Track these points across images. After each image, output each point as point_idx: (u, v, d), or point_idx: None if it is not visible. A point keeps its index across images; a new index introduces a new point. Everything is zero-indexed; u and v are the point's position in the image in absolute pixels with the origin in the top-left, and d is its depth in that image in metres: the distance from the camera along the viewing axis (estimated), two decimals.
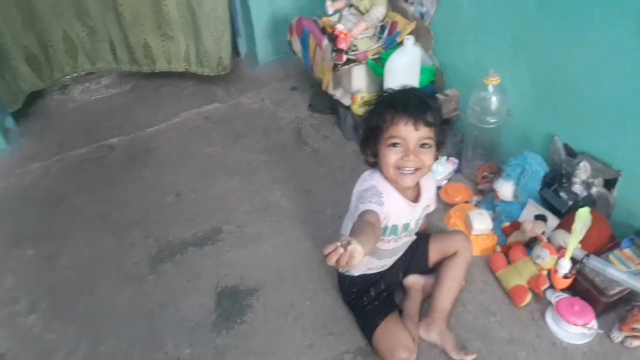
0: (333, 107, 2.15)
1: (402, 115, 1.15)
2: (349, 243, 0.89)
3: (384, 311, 1.36)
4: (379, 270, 1.41)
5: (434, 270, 1.47)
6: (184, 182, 1.95)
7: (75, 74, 2.49)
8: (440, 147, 1.24)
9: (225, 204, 1.84)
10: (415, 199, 1.30)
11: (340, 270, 1.41)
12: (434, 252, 1.46)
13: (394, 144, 1.18)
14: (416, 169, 1.20)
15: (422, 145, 1.18)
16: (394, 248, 1.36)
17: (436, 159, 1.25)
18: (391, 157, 1.19)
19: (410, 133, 1.16)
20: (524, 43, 1.57)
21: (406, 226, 1.30)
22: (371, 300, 1.39)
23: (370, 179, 1.25)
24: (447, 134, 1.25)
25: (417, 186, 1.31)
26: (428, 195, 1.35)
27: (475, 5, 1.66)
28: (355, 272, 1.40)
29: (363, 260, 1.31)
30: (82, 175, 2.02)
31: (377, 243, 1.08)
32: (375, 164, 1.28)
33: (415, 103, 1.17)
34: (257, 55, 2.53)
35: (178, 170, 2.00)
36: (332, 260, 0.88)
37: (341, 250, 0.88)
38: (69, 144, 2.17)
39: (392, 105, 1.18)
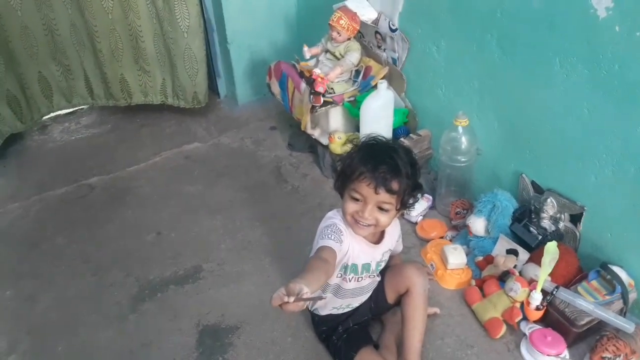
0: (311, 146, 2.22)
1: (368, 176, 1.17)
2: (294, 294, 0.94)
3: (357, 344, 1.39)
4: (345, 311, 1.43)
5: (396, 306, 1.46)
6: (164, 221, 1.97)
7: (52, 114, 2.53)
8: (406, 208, 1.27)
9: (206, 242, 1.86)
10: (377, 241, 1.35)
11: (310, 308, 1.45)
12: (389, 290, 1.44)
13: (355, 198, 1.22)
14: (370, 225, 1.24)
15: (380, 208, 1.22)
16: (356, 288, 1.38)
17: (402, 215, 1.30)
18: (349, 207, 1.23)
19: (370, 194, 1.19)
20: (490, 87, 1.67)
21: (366, 266, 1.34)
22: (340, 336, 1.41)
23: (334, 217, 1.29)
24: (416, 197, 1.27)
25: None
26: (391, 240, 1.40)
27: (443, 53, 1.77)
28: (322, 312, 1.43)
29: (324, 301, 1.36)
30: (62, 215, 2.02)
31: (327, 279, 1.14)
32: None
33: (385, 169, 1.17)
34: (236, 96, 2.60)
35: (159, 210, 2.02)
36: (280, 308, 0.94)
37: (286, 299, 0.93)
38: (49, 184, 2.18)
39: (365, 161, 1.19)
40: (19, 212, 2.05)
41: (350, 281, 1.34)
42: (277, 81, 2.12)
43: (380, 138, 1.28)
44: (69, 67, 2.38)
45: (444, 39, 1.75)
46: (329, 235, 1.23)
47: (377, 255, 1.35)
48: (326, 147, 2.03)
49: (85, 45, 2.31)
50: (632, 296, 1.45)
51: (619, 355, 1.35)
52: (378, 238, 1.36)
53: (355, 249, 1.29)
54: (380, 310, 1.48)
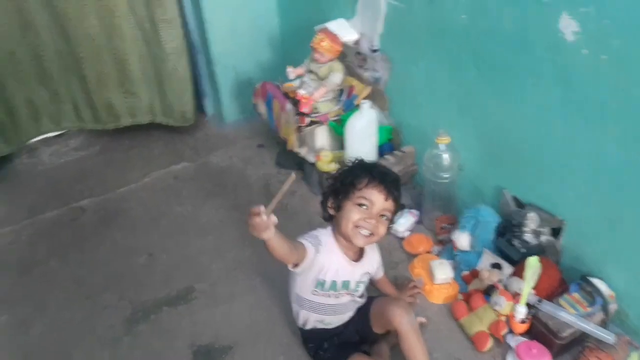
0: (299, 164, 2.26)
1: (379, 183, 1.30)
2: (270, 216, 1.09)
3: (347, 351, 1.43)
4: (328, 327, 1.46)
5: (386, 335, 1.49)
6: (156, 242, 1.99)
7: (40, 137, 2.54)
8: (391, 222, 1.39)
9: (197, 262, 1.89)
10: (357, 259, 1.41)
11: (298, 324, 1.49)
12: (376, 325, 1.44)
13: (361, 204, 1.30)
14: (371, 234, 1.32)
15: (382, 215, 1.32)
16: (335, 304, 1.42)
17: (389, 231, 1.40)
18: (355, 214, 1.31)
19: (379, 200, 1.30)
20: (468, 105, 1.73)
21: (345, 284, 1.38)
22: (327, 350, 1.45)
23: (316, 232, 1.37)
24: (397, 212, 1.40)
25: (361, 249, 1.42)
26: (370, 261, 1.46)
27: (423, 73, 1.82)
28: (306, 326, 1.47)
29: (307, 315, 1.42)
30: (53, 238, 2.04)
31: (283, 257, 1.22)
32: (331, 217, 1.39)
33: (391, 179, 1.33)
34: (223, 115, 2.64)
35: (150, 231, 2.05)
36: (252, 220, 1.09)
37: (263, 216, 1.07)
38: (40, 207, 2.20)
39: (370, 172, 1.32)
40: (11, 236, 2.06)
41: (329, 297, 1.39)
42: (264, 101, 2.16)
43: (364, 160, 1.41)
44: (57, 91, 2.40)
45: (422, 60, 1.80)
46: (308, 239, 1.32)
47: (356, 275, 1.40)
48: (313, 164, 2.07)
49: (72, 71, 2.34)
50: (613, 307, 1.50)
51: None
52: (357, 256, 1.42)
53: (334, 264, 1.35)
54: (367, 337, 1.49)
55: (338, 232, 1.36)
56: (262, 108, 2.19)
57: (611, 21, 1.22)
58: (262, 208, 1.09)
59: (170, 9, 2.19)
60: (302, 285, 1.39)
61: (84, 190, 2.29)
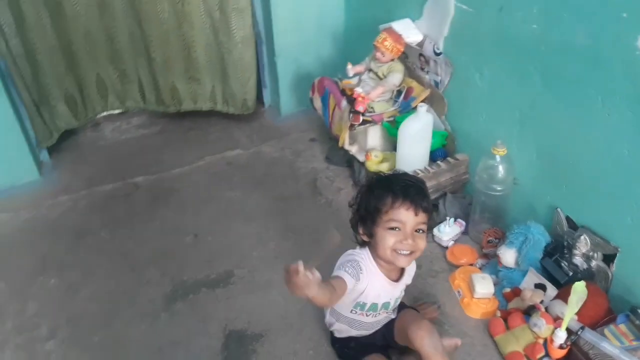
0: (348, 161, 2.26)
1: (403, 200, 1.21)
2: (310, 272, 0.98)
3: (366, 350, 1.42)
4: (359, 336, 1.45)
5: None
6: (202, 224, 2.05)
7: (105, 113, 2.66)
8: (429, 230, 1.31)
9: (240, 248, 1.93)
10: (397, 278, 1.36)
11: (330, 328, 1.48)
12: (398, 336, 1.42)
13: (393, 227, 1.23)
14: (411, 252, 1.26)
15: (417, 230, 1.25)
16: (372, 322, 1.40)
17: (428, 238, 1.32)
18: (390, 239, 1.23)
19: (409, 218, 1.22)
20: (531, 118, 1.66)
21: (386, 305, 1.35)
22: (352, 348, 1.45)
23: (355, 254, 1.30)
24: (434, 218, 1.32)
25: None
26: (410, 273, 1.42)
27: (486, 80, 1.77)
28: (338, 335, 1.47)
29: (342, 328, 1.39)
30: (107, 210, 2.14)
31: (328, 303, 1.17)
32: (366, 243, 1.32)
33: (415, 190, 1.23)
34: (280, 107, 2.67)
35: (198, 213, 2.11)
36: (291, 279, 0.98)
37: (302, 275, 0.97)
38: (98, 180, 2.31)
39: (390, 189, 1.23)
40: (69, 204, 2.18)
41: (368, 316, 1.36)
42: (320, 97, 2.17)
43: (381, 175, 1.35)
44: (125, 71, 2.51)
45: (487, 67, 1.75)
46: (347, 270, 1.24)
47: (396, 293, 1.37)
48: (362, 163, 2.07)
49: (141, 53, 2.44)
50: None
51: None
52: (398, 276, 1.37)
53: (376, 287, 1.30)
54: (390, 344, 1.47)
55: (377, 255, 1.30)
56: (317, 103, 2.20)
57: None
58: (300, 265, 0.99)
59: None
60: (340, 303, 1.32)
61: (140, 167, 2.38)
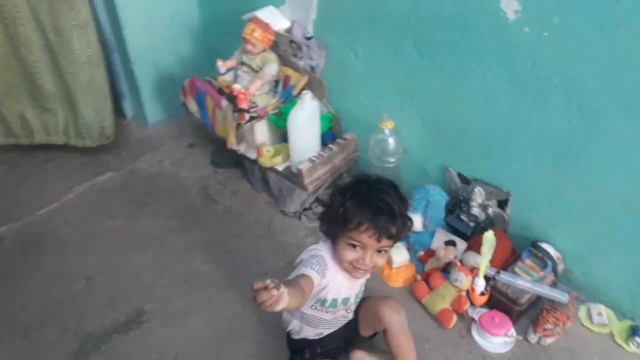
0: (237, 161, 2.17)
1: (369, 225, 1.14)
2: (278, 286, 0.93)
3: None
4: (316, 338, 1.41)
5: (372, 338, 1.48)
6: (91, 264, 1.82)
7: None
8: (400, 240, 1.26)
9: (142, 281, 1.75)
10: None
11: (286, 329, 1.42)
12: (364, 326, 1.43)
13: (354, 245, 1.19)
14: (369, 269, 1.23)
15: (380, 250, 1.20)
16: (331, 319, 1.37)
17: None
18: (348, 254, 1.20)
19: (372, 243, 1.17)
20: (411, 89, 1.73)
21: (345, 300, 1.33)
22: (309, 359, 1.41)
23: (320, 249, 1.26)
24: (409, 228, 1.25)
25: None
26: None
27: (362, 58, 1.80)
28: (295, 336, 1.42)
29: (300, 327, 1.35)
30: None
31: (299, 307, 1.12)
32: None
33: (385, 218, 1.15)
34: (145, 116, 2.46)
35: (83, 253, 1.87)
36: (260, 298, 0.91)
37: (273, 291, 0.91)
38: None
39: (361, 210, 1.15)
40: None
41: (327, 312, 1.33)
42: (194, 99, 2.04)
43: (365, 176, 1.28)
44: None
45: (361, 45, 1.78)
46: (313, 266, 1.19)
47: (356, 289, 1.35)
48: (254, 161, 1.99)
49: None
50: (561, 268, 1.60)
51: (558, 325, 1.48)
52: None
53: (337, 283, 1.27)
54: (352, 342, 1.46)
55: (339, 266, 1.25)
56: (193, 106, 2.06)
57: None
58: (268, 281, 0.93)
59: (82, 11, 1.95)
60: None
61: None
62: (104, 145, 2.31)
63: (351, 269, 1.22)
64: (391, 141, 1.78)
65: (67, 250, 1.88)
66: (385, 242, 1.17)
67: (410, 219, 1.25)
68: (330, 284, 1.25)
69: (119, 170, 2.26)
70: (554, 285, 1.60)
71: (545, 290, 1.52)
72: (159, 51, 2.31)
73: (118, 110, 2.46)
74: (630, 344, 1.48)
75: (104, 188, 2.17)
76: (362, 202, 1.16)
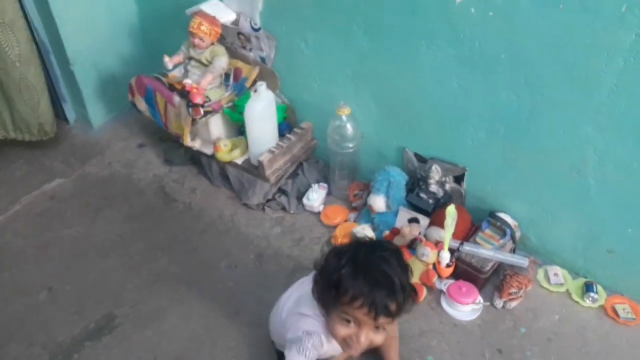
0: (192, 158, 2.14)
1: (365, 302, 1.01)
2: None
3: None
4: None
5: None
6: (52, 274, 1.75)
7: None
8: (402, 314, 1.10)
9: (109, 286, 1.71)
10: None
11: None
12: None
13: (348, 320, 1.06)
14: (364, 347, 1.10)
15: (377, 327, 1.07)
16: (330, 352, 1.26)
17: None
18: (341, 330, 1.08)
19: (368, 320, 1.04)
20: (363, 74, 1.76)
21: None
22: None
23: (314, 323, 1.15)
24: (411, 305, 1.10)
25: None
26: None
27: (312, 47, 1.81)
28: None
29: None
30: None
31: None
32: None
33: (384, 293, 1.02)
34: (89, 119, 2.36)
35: (41, 264, 1.79)
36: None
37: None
38: None
39: (357, 279, 1.02)
40: None
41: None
42: (142, 97, 1.98)
43: (363, 238, 1.21)
44: None
45: (310, 33, 1.79)
46: (309, 352, 1.11)
47: None
48: (211, 156, 1.97)
49: None
50: (518, 234, 1.69)
51: (522, 288, 1.58)
52: None
53: (335, 345, 1.17)
54: None
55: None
56: (142, 105, 2.00)
57: None
58: None
59: (9, 9, 1.85)
60: None
61: None
62: (48, 152, 2.21)
63: (344, 345, 1.10)
64: (349, 127, 1.81)
65: (24, 262, 1.80)
66: (383, 320, 1.04)
67: (414, 290, 1.12)
68: (329, 348, 1.18)
69: (67, 176, 2.17)
70: (513, 251, 1.69)
71: (506, 257, 1.61)
72: (99, 51, 2.22)
73: (59, 115, 2.36)
74: (586, 300, 1.60)
75: (54, 195, 2.08)
76: (359, 272, 1.03)
